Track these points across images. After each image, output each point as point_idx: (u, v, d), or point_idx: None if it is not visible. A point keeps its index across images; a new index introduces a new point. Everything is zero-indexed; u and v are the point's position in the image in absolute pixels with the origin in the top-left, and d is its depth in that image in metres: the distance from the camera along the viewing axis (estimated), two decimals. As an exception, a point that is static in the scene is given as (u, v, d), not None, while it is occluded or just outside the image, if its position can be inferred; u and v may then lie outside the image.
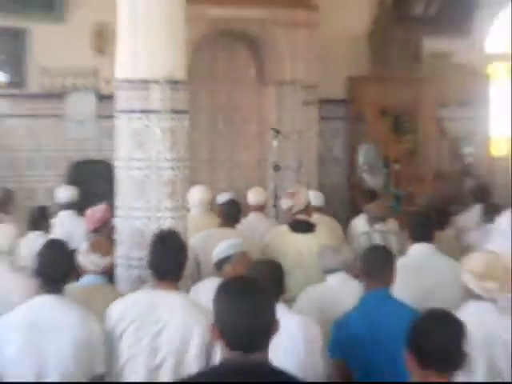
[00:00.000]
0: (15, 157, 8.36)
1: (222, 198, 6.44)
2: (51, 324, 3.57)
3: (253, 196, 6.74)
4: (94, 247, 4.40)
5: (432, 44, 9.97)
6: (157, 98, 4.34)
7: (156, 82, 4.53)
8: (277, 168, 8.13)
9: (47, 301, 3.61)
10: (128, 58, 4.63)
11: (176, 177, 4.77)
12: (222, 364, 2.18)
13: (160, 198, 4.46)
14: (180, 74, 4.68)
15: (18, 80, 8.17)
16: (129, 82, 4.61)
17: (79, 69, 8.34)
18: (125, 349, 3.74)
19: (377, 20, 9.73)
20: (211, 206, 6.51)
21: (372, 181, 9.07)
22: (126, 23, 4.63)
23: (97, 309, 3.86)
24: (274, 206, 7.52)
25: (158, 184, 4.45)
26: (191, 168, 5.07)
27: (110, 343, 3.69)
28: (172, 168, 4.71)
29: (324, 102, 9.06)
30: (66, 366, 3.55)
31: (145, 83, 4.55)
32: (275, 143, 8.26)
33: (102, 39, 8.05)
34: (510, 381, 3.41)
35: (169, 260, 3.75)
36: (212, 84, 9.19)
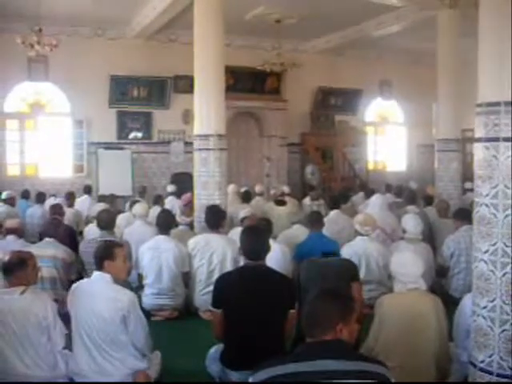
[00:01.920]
0: (149, 171, 12.83)
1: (243, 188, 9.67)
2: (164, 247, 5.47)
3: (257, 188, 10.31)
4: (184, 213, 6.99)
5: (339, 117, 14.54)
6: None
7: (212, 135, 7.59)
8: (268, 176, 13.42)
9: (162, 237, 5.56)
10: (198, 121, 7.75)
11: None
12: (243, 266, 3.76)
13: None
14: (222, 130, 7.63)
15: (147, 136, 12.81)
16: (198, 136, 7.76)
17: (176, 131, 12.87)
18: (196, 261, 5.58)
19: (314, 106, 14.10)
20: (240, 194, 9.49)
21: (313, 181, 13.11)
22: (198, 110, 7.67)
23: (185, 241, 5.72)
24: (266, 193, 11.11)
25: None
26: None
27: (190, 258, 5.57)
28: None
29: (290, 144, 13.75)
30: (171, 267, 5.41)
31: (206, 137, 7.60)
32: (267, 164, 13.55)
33: (187, 116, 12.40)
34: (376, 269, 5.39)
35: (216, 218, 5.77)
36: (238, 136, 13.43)
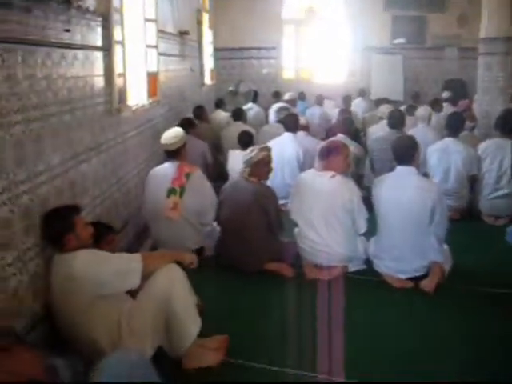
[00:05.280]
0: (420, 77, 12.81)
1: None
2: (453, 149, 5.68)
3: None
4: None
5: None
6: None
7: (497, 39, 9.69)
8: None
9: (451, 140, 5.82)
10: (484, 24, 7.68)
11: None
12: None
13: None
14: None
15: (420, 41, 12.62)
16: (482, 39, 7.66)
17: (450, 35, 12.30)
18: (485, 164, 5.87)
19: None
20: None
21: None
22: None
23: (470, 145, 7.37)
24: None
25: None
26: None
27: (478, 161, 5.79)
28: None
29: None
30: (459, 168, 7.04)
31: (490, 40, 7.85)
32: None
33: (463, 20, 12.16)
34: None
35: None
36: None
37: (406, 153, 4.09)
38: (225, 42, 12.47)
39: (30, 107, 2.78)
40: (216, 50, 11.96)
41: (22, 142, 2.69)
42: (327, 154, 4.28)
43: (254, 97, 10.11)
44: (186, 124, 6.32)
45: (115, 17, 4.19)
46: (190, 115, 7.74)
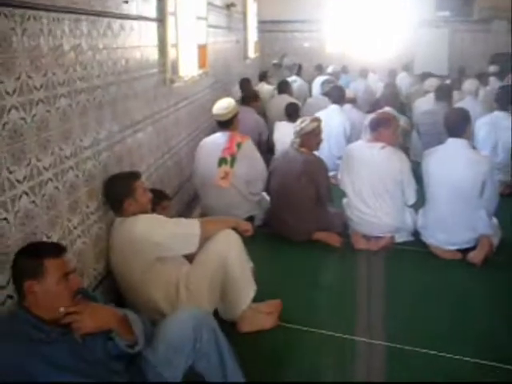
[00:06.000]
0: (466, 51, 12.44)
1: None
2: (502, 124, 5.61)
3: None
4: None
5: None
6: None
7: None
8: None
9: (500, 114, 5.72)
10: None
11: None
12: None
13: None
14: None
15: (466, 13, 12.26)
16: None
17: (499, 7, 11.69)
18: None
19: None
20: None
21: None
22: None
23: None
24: None
25: None
26: None
27: None
28: None
29: None
30: (508, 142, 5.53)
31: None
32: None
33: None
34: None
35: None
36: None
37: (459, 125, 4.07)
38: (269, 15, 12.40)
39: (93, 76, 2.88)
40: (259, 22, 11.91)
41: (86, 110, 2.79)
42: (377, 125, 4.30)
43: (298, 70, 10.12)
44: (252, 97, 6.46)
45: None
46: (236, 87, 7.80)
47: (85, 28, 2.77)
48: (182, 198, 4.88)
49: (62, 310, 1.87)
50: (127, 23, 3.44)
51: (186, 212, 4.88)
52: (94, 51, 2.91)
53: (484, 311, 3.39)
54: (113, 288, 3.04)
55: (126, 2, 3.37)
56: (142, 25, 3.75)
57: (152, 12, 3.99)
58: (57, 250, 1.96)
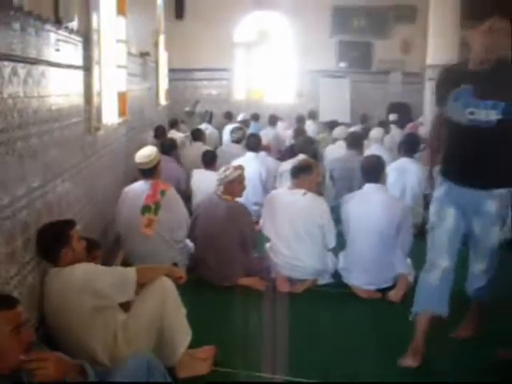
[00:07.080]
0: (366, 99, 13.15)
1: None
2: (408, 169, 6.24)
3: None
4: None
5: None
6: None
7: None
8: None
9: (406, 160, 4.65)
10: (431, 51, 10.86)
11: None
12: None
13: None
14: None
15: (366, 65, 13.29)
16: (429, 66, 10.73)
17: (395, 60, 13.22)
18: None
19: None
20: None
21: None
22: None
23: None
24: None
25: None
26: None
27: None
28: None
29: None
30: (414, 188, 4.43)
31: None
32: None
33: (406, 46, 13.09)
34: None
35: None
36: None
37: (375, 171, 4.36)
38: (178, 63, 12.59)
39: (29, 123, 2.85)
40: (170, 70, 12.05)
41: (23, 159, 2.75)
42: (299, 172, 4.50)
43: (210, 117, 10.31)
44: (171, 145, 6.55)
45: (94, 37, 4.27)
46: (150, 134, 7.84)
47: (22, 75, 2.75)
48: (105, 244, 4.80)
49: (22, 357, 1.82)
50: (59, 71, 3.43)
51: (108, 258, 4.80)
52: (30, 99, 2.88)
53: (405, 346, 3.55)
54: (46, 339, 2.95)
55: (58, 50, 3.37)
56: (72, 73, 3.75)
57: (79, 60, 4.00)
58: (9, 302, 1.92)
